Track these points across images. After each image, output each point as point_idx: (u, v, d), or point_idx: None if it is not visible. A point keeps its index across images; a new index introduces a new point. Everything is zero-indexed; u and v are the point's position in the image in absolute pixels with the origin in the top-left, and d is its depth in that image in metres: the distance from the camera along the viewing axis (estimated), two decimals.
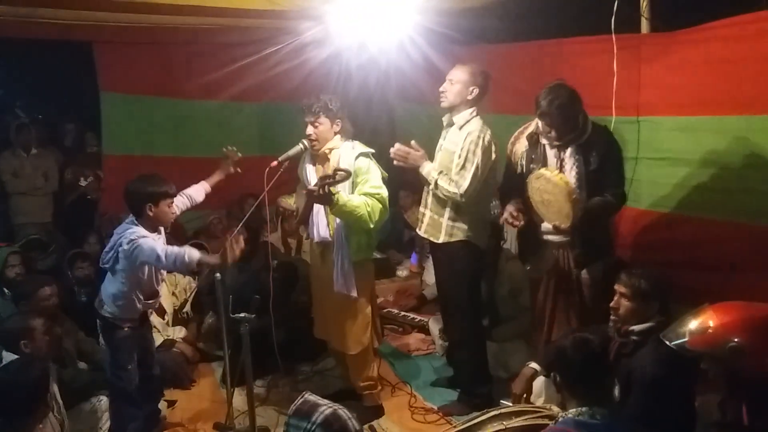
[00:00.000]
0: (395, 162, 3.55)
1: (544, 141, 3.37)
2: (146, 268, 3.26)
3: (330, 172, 3.31)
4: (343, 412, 2.02)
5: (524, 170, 3.44)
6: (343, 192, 3.36)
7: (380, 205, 3.40)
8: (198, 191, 3.64)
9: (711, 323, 2.27)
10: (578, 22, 4.17)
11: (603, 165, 3.24)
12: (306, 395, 2.11)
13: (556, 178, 3.13)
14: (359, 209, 3.33)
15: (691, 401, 2.75)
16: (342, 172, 3.25)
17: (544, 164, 3.34)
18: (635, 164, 3.86)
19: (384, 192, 3.44)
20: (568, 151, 3.29)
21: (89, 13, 4.25)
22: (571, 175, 3.26)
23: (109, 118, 5.90)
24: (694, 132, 3.61)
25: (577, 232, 3.30)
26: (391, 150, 3.52)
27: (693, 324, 2.34)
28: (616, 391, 2.85)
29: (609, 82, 3.74)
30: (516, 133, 3.59)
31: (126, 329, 3.33)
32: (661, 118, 3.76)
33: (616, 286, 2.88)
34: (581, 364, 2.29)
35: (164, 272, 3.53)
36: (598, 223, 3.36)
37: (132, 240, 3.14)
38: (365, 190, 3.39)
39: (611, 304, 2.90)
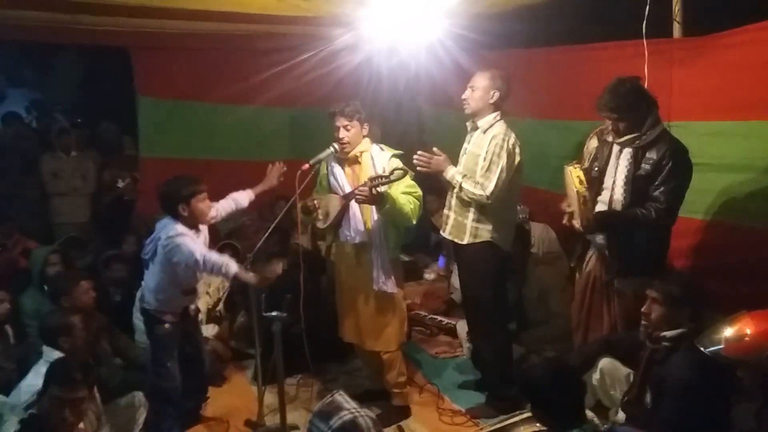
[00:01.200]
0: (418, 168, 3.57)
1: (610, 139, 3.34)
2: (183, 265, 3.33)
3: (362, 175, 3.38)
4: (364, 420, 1.90)
5: (590, 167, 3.44)
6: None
7: (418, 203, 3.51)
8: (243, 197, 3.76)
9: (748, 331, 2.24)
10: (609, 27, 4.15)
11: (654, 174, 3.12)
12: (336, 394, 2.02)
13: (571, 174, 3.15)
14: (405, 207, 3.43)
15: (725, 410, 2.70)
16: (399, 171, 3.33)
17: (606, 162, 3.33)
18: None
19: (419, 190, 3.53)
20: (626, 151, 3.25)
21: (127, 19, 4.38)
22: (619, 176, 3.24)
23: (146, 121, 6.05)
24: (727, 137, 3.58)
25: (613, 239, 3.29)
26: (414, 157, 3.55)
27: (729, 331, 2.31)
28: (648, 398, 2.83)
29: None
30: (593, 132, 3.64)
31: (167, 325, 3.43)
32: (693, 123, 3.73)
33: (648, 291, 2.86)
34: (549, 388, 2.26)
35: None
36: (625, 234, 3.26)
37: (170, 237, 3.23)
38: (403, 189, 3.45)
39: (642, 309, 2.87)
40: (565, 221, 3.48)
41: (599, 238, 3.38)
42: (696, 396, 2.61)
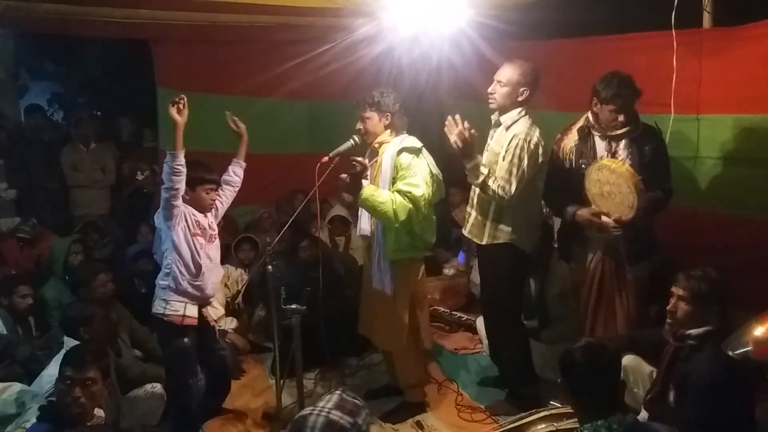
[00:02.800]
0: (453, 141, 3.29)
1: (595, 133, 3.32)
2: (180, 232, 3.28)
3: (381, 166, 3.32)
4: (334, 415, 1.76)
5: (573, 165, 3.38)
6: (383, 186, 3.36)
7: (409, 205, 3.29)
8: (232, 175, 3.67)
9: None
10: (638, 17, 4.07)
11: (654, 159, 3.23)
12: (337, 392, 1.88)
13: (621, 168, 3.08)
14: (383, 205, 3.26)
15: (750, 409, 2.63)
16: (355, 162, 3.25)
17: (594, 158, 3.29)
18: (694, 163, 3.77)
19: (417, 191, 3.32)
20: (622, 143, 3.26)
21: (148, 11, 4.39)
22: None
23: (166, 114, 6.02)
24: (757, 130, 3.48)
25: (630, 227, 3.24)
26: (457, 129, 3.25)
27: (759, 331, 2.24)
28: (671, 397, 2.77)
29: (668, 79, 3.64)
30: (563, 129, 3.52)
31: (186, 339, 3.33)
32: (723, 116, 3.64)
33: (674, 288, 2.78)
34: (590, 372, 2.23)
35: (213, 253, 3.48)
36: (649, 219, 3.32)
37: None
38: (398, 187, 3.33)
39: (668, 308, 2.80)
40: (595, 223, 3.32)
41: (603, 234, 3.33)
42: (720, 395, 2.55)
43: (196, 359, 3.43)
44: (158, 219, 3.36)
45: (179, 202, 3.25)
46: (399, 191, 3.31)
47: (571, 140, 3.42)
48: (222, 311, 3.63)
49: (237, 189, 3.69)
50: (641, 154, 3.23)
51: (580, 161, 3.36)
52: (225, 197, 3.62)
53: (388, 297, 3.51)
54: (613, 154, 3.27)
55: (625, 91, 3.17)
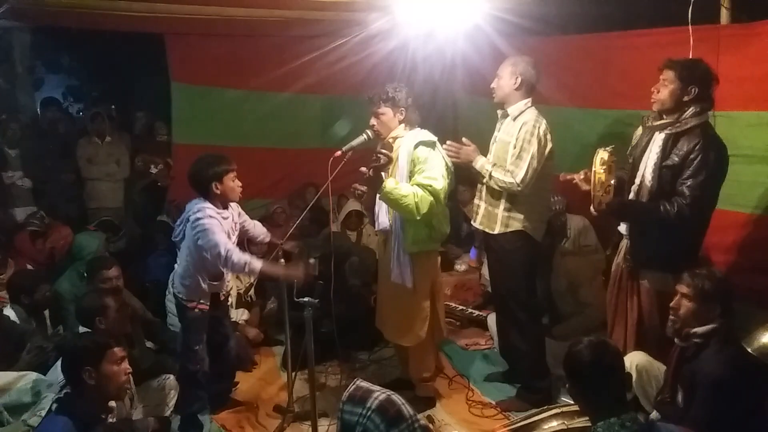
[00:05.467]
0: (449, 156, 3.51)
1: (649, 123, 3.21)
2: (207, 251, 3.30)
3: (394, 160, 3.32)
4: (397, 397, 2.02)
5: (630, 153, 3.35)
6: (400, 180, 3.36)
7: (430, 198, 3.31)
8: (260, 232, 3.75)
9: None
10: (654, 12, 4.03)
11: (682, 166, 2.98)
12: (358, 382, 2.10)
13: (596, 155, 3.04)
14: (406, 198, 3.27)
15: (759, 407, 2.60)
16: (380, 155, 3.24)
17: (643, 149, 3.20)
18: None
19: (437, 184, 3.34)
20: (659, 138, 3.13)
21: (162, 5, 4.41)
22: (649, 164, 3.13)
23: (179, 107, 6.08)
24: None
25: (635, 229, 3.21)
26: (443, 147, 3.49)
27: None
28: (680, 397, 2.76)
29: None
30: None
31: (196, 311, 3.42)
32: (739, 113, 3.61)
33: (678, 286, 2.76)
34: (595, 370, 2.22)
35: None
36: (647, 225, 3.16)
37: (198, 219, 3.20)
38: (418, 180, 3.34)
39: (671, 304, 2.78)
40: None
41: (623, 228, 3.32)
42: (728, 393, 2.53)
43: (205, 329, 3.49)
44: (189, 229, 3.30)
45: None
46: (419, 185, 3.32)
47: (639, 129, 3.37)
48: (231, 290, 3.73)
49: (262, 240, 3.76)
50: (666, 154, 3.04)
51: (635, 150, 3.30)
52: (259, 231, 3.71)
53: (407, 290, 3.52)
54: (650, 146, 3.16)
55: (700, 73, 2.97)
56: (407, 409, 2.01)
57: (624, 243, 3.36)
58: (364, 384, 2.08)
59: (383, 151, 3.31)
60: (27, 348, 3.62)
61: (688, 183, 2.95)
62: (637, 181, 3.21)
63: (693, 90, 2.98)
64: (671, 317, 2.78)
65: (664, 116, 3.09)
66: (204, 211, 3.23)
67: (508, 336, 3.88)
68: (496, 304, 4.02)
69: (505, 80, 3.49)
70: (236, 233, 3.48)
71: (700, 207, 3.00)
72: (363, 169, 3.29)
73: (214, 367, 3.57)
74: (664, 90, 3.05)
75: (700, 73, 3.00)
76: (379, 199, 3.41)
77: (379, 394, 2.01)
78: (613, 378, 2.23)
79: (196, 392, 3.50)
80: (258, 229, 3.72)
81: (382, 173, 3.31)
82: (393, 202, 3.32)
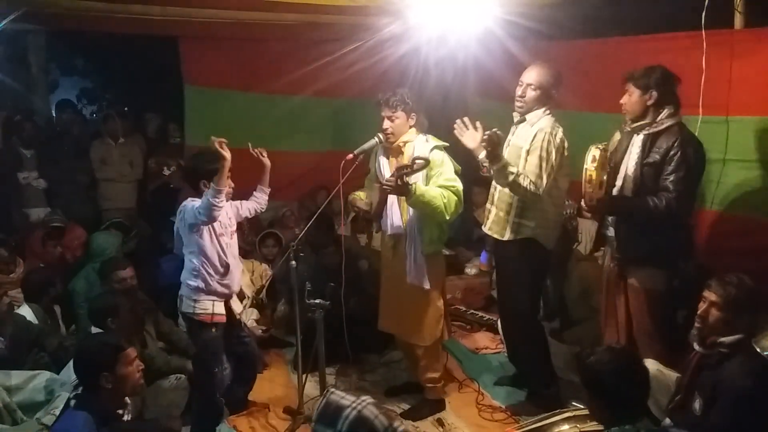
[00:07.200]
0: (484, 145, 3.30)
1: (626, 128, 3.30)
2: (205, 234, 3.32)
3: (406, 163, 3.33)
4: (368, 410, 1.91)
5: (611, 157, 3.35)
6: (420, 183, 3.37)
7: (455, 198, 3.38)
8: (257, 197, 3.76)
9: None
10: (668, 16, 4.01)
11: (663, 162, 3.10)
12: (329, 395, 2.00)
13: (588, 152, 3.10)
14: (436, 200, 3.31)
15: None
16: (420, 161, 3.27)
17: (624, 151, 3.27)
18: (722, 166, 3.71)
19: (459, 185, 3.42)
20: (638, 139, 3.22)
21: (175, 9, 4.44)
22: (631, 163, 3.21)
23: (192, 110, 6.12)
24: None
25: (622, 226, 3.25)
26: (487, 132, 3.26)
27: None
28: (698, 405, 2.72)
29: (697, 80, 3.59)
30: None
31: (213, 329, 3.39)
32: (753, 118, 3.59)
33: (706, 293, 2.70)
34: (618, 378, 2.20)
35: (234, 249, 3.52)
36: (635, 222, 3.21)
37: (183, 206, 3.29)
38: (440, 183, 3.37)
39: (699, 312, 2.71)
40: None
41: (609, 231, 3.35)
42: (752, 404, 2.50)
43: (222, 348, 3.48)
44: (181, 224, 3.38)
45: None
46: (442, 186, 3.37)
47: (618, 134, 3.42)
48: (240, 307, 3.70)
49: (260, 208, 3.77)
50: (645, 152, 3.15)
51: (616, 154, 3.34)
52: (247, 207, 3.69)
53: (423, 291, 3.55)
54: (630, 147, 3.25)
55: (645, 82, 3.13)
56: (380, 421, 1.90)
57: (610, 245, 3.39)
58: (336, 396, 1.98)
59: (422, 156, 3.33)
60: (47, 346, 3.65)
61: (671, 178, 3.07)
62: (619, 182, 3.28)
63: (652, 94, 3.13)
64: (697, 325, 2.72)
65: (639, 120, 3.21)
66: (189, 202, 3.31)
67: (512, 343, 3.89)
68: (501, 312, 4.01)
69: (538, 94, 3.42)
70: (232, 237, 3.50)
71: (685, 200, 3.14)
72: (389, 178, 3.30)
73: (236, 374, 3.60)
74: (628, 99, 3.23)
75: (655, 79, 3.13)
76: (409, 204, 3.41)
77: (350, 411, 1.90)
78: (636, 386, 2.22)
79: (214, 414, 3.51)
80: (249, 204, 3.72)
81: (408, 179, 3.28)
82: (425, 205, 3.33)
